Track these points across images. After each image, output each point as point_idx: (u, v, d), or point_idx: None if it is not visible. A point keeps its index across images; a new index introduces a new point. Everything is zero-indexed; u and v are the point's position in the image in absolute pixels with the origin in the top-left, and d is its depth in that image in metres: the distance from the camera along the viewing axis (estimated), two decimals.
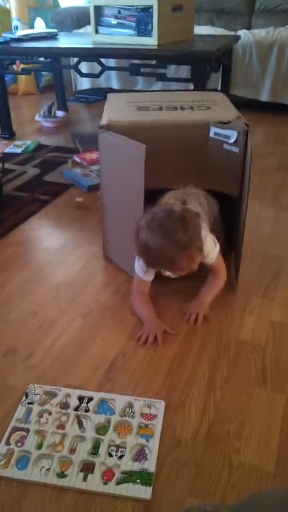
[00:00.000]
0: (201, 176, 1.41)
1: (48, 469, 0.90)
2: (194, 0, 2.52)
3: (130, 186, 1.29)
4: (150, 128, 1.33)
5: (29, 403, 1.04)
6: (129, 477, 0.89)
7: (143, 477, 0.88)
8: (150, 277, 1.30)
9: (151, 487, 0.87)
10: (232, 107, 1.48)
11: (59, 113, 3.11)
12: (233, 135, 1.29)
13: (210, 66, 2.26)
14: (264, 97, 3.04)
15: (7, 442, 0.96)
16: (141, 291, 1.32)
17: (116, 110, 1.47)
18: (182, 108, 1.45)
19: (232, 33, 3.06)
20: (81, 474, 0.89)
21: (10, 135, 2.82)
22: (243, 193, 1.27)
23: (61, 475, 0.89)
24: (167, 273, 1.29)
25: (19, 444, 0.95)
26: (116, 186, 1.40)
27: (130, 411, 1.02)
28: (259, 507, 0.64)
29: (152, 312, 1.28)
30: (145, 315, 1.27)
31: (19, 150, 2.56)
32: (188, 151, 1.38)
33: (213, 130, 1.34)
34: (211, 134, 1.35)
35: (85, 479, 0.89)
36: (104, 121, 1.36)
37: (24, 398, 1.05)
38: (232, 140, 1.30)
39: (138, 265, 1.28)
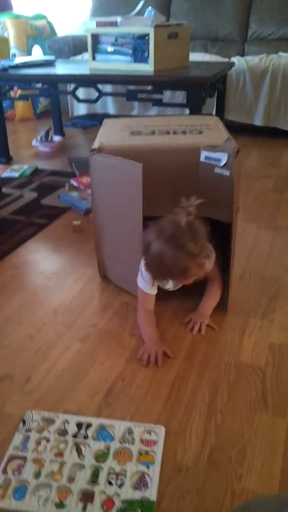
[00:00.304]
0: None
1: (46, 500, 0.88)
2: (189, 28, 2.59)
3: (127, 206, 1.30)
4: (141, 152, 1.33)
5: (26, 430, 1.02)
6: (129, 506, 0.86)
7: (144, 506, 0.86)
8: (155, 291, 1.32)
9: None
10: (224, 130, 1.48)
11: (56, 138, 3.15)
12: (223, 158, 1.28)
13: (205, 91, 2.30)
14: (258, 121, 3.09)
15: (4, 471, 0.93)
16: (147, 308, 1.33)
17: (109, 134, 1.48)
18: (174, 133, 1.45)
19: (226, 59, 3.13)
20: (81, 504, 0.87)
21: (7, 160, 2.85)
22: (232, 214, 1.28)
23: (60, 505, 0.87)
24: (167, 286, 1.32)
25: (16, 473, 0.93)
26: (111, 207, 1.41)
27: (130, 437, 1.00)
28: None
29: (155, 332, 1.29)
30: (148, 335, 1.28)
31: (16, 174, 2.58)
32: (179, 176, 1.37)
33: (203, 154, 1.34)
34: (202, 159, 1.34)
35: (84, 509, 0.86)
36: (95, 144, 1.37)
37: (21, 424, 1.03)
38: (222, 163, 1.30)
39: (143, 281, 1.30)
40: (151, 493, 0.88)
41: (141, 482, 0.91)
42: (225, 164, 1.29)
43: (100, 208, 1.46)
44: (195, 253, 1.13)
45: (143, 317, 1.32)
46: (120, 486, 0.90)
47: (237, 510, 0.65)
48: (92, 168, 1.39)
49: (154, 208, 1.28)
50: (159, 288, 1.33)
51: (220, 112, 2.89)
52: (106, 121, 1.65)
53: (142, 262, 1.24)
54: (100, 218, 1.47)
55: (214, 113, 2.91)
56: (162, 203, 1.24)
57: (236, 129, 3.15)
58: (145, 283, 1.30)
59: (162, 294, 1.35)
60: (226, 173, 1.30)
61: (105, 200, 1.42)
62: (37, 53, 3.93)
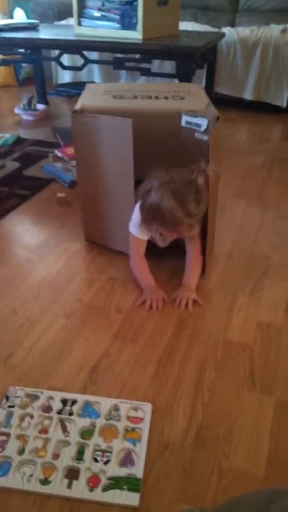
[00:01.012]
0: (173, 166, 1.40)
1: (30, 476, 0.86)
2: None
3: (117, 164, 1.33)
4: (123, 115, 1.31)
5: (9, 406, 0.99)
6: (115, 483, 0.85)
7: (131, 483, 0.85)
8: (146, 236, 1.34)
9: (139, 494, 0.84)
10: (206, 98, 1.49)
11: (40, 106, 3.04)
12: (203, 123, 1.29)
13: (195, 62, 2.23)
14: (248, 95, 3.03)
15: None
16: (138, 255, 1.37)
17: (91, 97, 1.48)
18: (156, 98, 1.46)
19: (216, 30, 3.04)
20: (66, 481, 0.86)
21: None
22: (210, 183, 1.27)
23: (45, 481, 0.86)
24: (157, 238, 1.35)
25: None
26: (98, 167, 1.40)
27: (116, 414, 0.98)
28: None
29: (152, 279, 1.36)
30: (145, 283, 1.35)
31: None
32: (161, 140, 1.37)
33: (184, 118, 1.34)
34: (183, 123, 1.35)
35: (69, 486, 0.85)
36: (77, 106, 1.37)
37: (4, 401, 1.01)
38: (203, 128, 1.30)
39: (135, 226, 1.32)
40: (138, 471, 0.87)
41: (127, 459, 0.90)
42: (205, 130, 1.29)
43: (86, 169, 1.44)
44: (193, 214, 1.17)
45: (137, 264, 1.37)
46: (106, 463, 0.89)
47: (225, 505, 0.64)
48: (74, 130, 1.38)
49: (134, 170, 1.30)
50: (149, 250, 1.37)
51: (209, 85, 2.83)
52: (88, 85, 1.65)
53: (136, 208, 1.29)
54: (87, 179, 1.46)
55: (203, 85, 2.84)
56: (143, 166, 1.24)
57: (225, 102, 3.10)
58: (136, 228, 1.33)
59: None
60: (205, 138, 1.30)
61: (92, 160, 1.40)
62: (20, 16, 3.76)
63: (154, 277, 1.37)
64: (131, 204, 1.34)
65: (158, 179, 1.19)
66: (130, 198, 1.35)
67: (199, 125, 1.32)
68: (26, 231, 1.69)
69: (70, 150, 2.30)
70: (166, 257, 1.47)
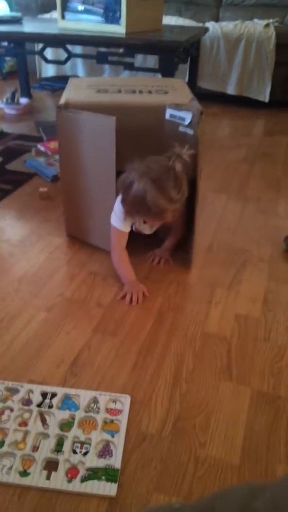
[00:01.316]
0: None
1: (10, 468, 0.87)
2: None
3: (99, 160, 1.34)
4: (107, 109, 1.33)
5: None
6: (94, 474, 0.87)
7: (108, 474, 0.87)
8: (128, 229, 1.36)
9: (116, 484, 0.85)
10: (189, 92, 1.51)
11: (23, 100, 3.03)
12: (188, 117, 1.32)
13: (178, 56, 2.24)
14: (231, 90, 3.05)
15: None
16: (121, 247, 1.38)
17: (75, 91, 1.49)
18: (140, 92, 1.48)
19: (200, 24, 3.05)
20: (45, 472, 0.87)
21: None
22: (197, 176, 1.30)
23: (24, 473, 0.87)
24: (142, 228, 1.38)
25: None
26: (81, 162, 1.41)
27: (95, 406, 1.00)
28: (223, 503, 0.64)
29: (132, 273, 1.38)
30: (127, 277, 1.37)
31: None
32: (145, 133, 1.39)
33: (168, 112, 1.37)
34: (167, 116, 1.38)
35: (48, 477, 0.86)
36: (62, 100, 1.38)
37: None
38: (187, 122, 1.33)
39: (117, 218, 1.34)
40: (116, 461, 0.89)
41: (105, 451, 0.91)
42: (189, 124, 1.31)
43: (69, 164, 1.45)
44: (175, 200, 1.20)
45: (120, 258, 1.38)
46: (85, 454, 0.90)
47: (204, 501, 0.66)
48: (59, 125, 1.39)
49: (120, 164, 1.30)
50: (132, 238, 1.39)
51: (192, 79, 2.84)
52: (71, 80, 1.66)
53: (118, 200, 1.31)
54: (69, 174, 1.47)
55: (186, 80, 2.85)
56: (128, 160, 1.26)
57: (208, 97, 3.11)
58: (118, 221, 1.34)
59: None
60: (190, 132, 1.34)
61: (75, 156, 1.41)
62: (2, 9, 3.72)
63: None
64: (112, 201, 1.35)
65: (136, 171, 1.20)
66: (111, 195, 1.35)
67: (183, 119, 1.33)
68: (8, 225, 1.69)
69: (53, 145, 2.29)
70: (146, 250, 1.48)
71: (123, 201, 1.27)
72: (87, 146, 1.37)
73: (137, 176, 1.20)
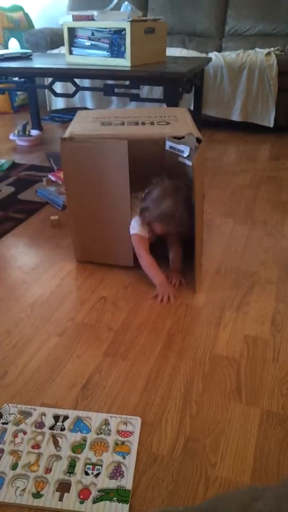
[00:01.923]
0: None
1: (23, 490, 0.89)
2: (166, 23, 2.59)
3: (111, 184, 1.43)
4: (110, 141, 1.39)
5: (3, 423, 1.03)
6: (105, 495, 0.88)
7: (120, 495, 0.88)
8: (147, 234, 1.50)
9: (128, 505, 0.86)
10: (190, 122, 1.57)
11: (34, 132, 3.13)
12: (186, 150, 1.37)
13: (182, 86, 2.31)
14: (236, 117, 3.12)
15: None
16: (146, 252, 1.50)
17: (79, 124, 1.55)
18: (143, 123, 1.53)
19: (203, 55, 3.15)
20: (57, 494, 0.88)
21: None
22: (196, 204, 1.35)
23: (37, 495, 0.88)
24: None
25: None
26: (94, 188, 1.47)
27: (106, 428, 1.01)
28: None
29: (162, 274, 1.49)
30: (158, 278, 1.48)
31: None
32: (146, 163, 1.44)
33: (168, 144, 1.43)
34: (167, 147, 1.44)
35: (61, 498, 0.88)
36: (66, 134, 1.44)
37: None
38: (185, 154, 1.38)
39: (138, 225, 1.49)
40: (127, 482, 0.90)
41: (117, 472, 0.92)
42: (188, 156, 1.37)
43: (78, 193, 1.51)
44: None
45: (147, 262, 1.49)
46: (97, 475, 0.92)
47: (207, 503, 0.67)
48: (64, 156, 1.44)
49: None
50: None
51: (197, 108, 2.92)
52: (79, 113, 1.73)
53: (136, 217, 1.49)
54: (78, 201, 1.52)
55: (192, 108, 2.93)
56: (131, 186, 1.39)
57: (214, 124, 3.19)
58: (137, 227, 1.48)
59: None
60: (189, 163, 1.39)
61: (85, 182, 1.47)
62: (14, 46, 3.88)
63: (142, 295, 1.41)
64: (127, 218, 1.49)
65: (168, 187, 1.42)
66: (127, 213, 1.48)
67: (182, 151, 1.39)
68: (21, 253, 1.73)
69: None
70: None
71: (148, 211, 1.44)
72: (100, 171, 1.43)
73: (170, 192, 1.40)
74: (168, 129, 1.48)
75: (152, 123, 1.53)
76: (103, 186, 1.46)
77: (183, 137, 1.39)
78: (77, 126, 1.51)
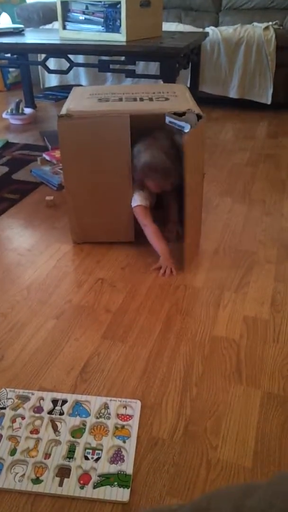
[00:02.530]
0: None
1: (22, 475, 0.88)
2: None
3: (112, 159, 1.42)
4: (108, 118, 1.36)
5: (1, 408, 1.01)
6: (106, 480, 0.87)
7: (121, 479, 0.87)
8: (147, 203, 1.50)
9: (129, 489, 0.85)
10: (189, 99, 1.52)
11: (27, 110, 3.06)
12: (186, 127, 1.34)
13: (179, 62, 2.25)
14: (233, 94, 3.06)
15: None
16: (150, 221, 1.49)
17: (76, 101, 1.50)
18: (141, 99, 1.49)
19: (200, 30, 3.07)
20: (57, 479, 0.87)
21: None
22: (187, 183, 1.33)
23: (36, 481, 0.87)
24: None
25: None
26: (93, 165, 1.44)
27: (106, 412, 1.00)
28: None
29: (166, 245, 1.49)
30: (161, 249, 1.48)
31: None
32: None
33: (168, 118, 1.40)
34: (167, 121, 1.41)
35: (61, 484, 0.86)
36: (63, 110, 1.40)
37: None
38: (186, 130, 1.34)
39: (139, 197, 1.48)
40: (128, 467, 0.89)
41: (117, 456, 0.91)
42: (188, 132, 1.33)
43: (75, 170, 1.47)
44: (177, 162, 1.36)
45: (152, 232, 1.49)
46: (97, 460, 0.90)
47: (200, 500, 0.66)
48: (61, 133, 1.40)
49: None
50: None
51: (194, 84, 2.85)
52: (74, 89, 1.68)
53: (136, 190, 1.49)
54: (76, 180, 1.49)
55: (188, 85, 2.86)
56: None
57: (211, 101, 3.13)
58: (138, 198, 1.48)
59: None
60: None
61: (83, 160, 1.44)
62: (5, 21, 3.77)
63: (140, 279, 1.39)
64: (128, 194, 1.48)
65: (143, 142, 1.42)
66: (127, 188, 1.47)
67: (182, 127, 1.35)
68: (16, 234, 1.70)
69: (58, 153, 2.31)
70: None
71: (135, 171, 1.43)
72: (98, 146, 1.40)
73: (144, 147, 1.41)
74: (168, 105, 1.44)
75: (150, 99, 1.48)
76: (102, 163, 1.43)
77: (183, 114, 1.36)
78: (74, 103, 1.47)
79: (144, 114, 1.39)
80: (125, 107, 1.41)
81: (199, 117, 1.34)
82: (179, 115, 1.36)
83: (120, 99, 1.49)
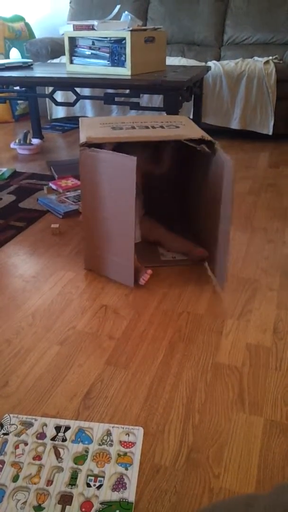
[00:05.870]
0: None
1: (24, 503, 0.88)
2: (166, 32, 2.61)
3: (119, 198, 1.41)
4: (129, 143, 1.43)
5: (4, 434, 1.02)
6: (108, 507, 0.87)
7: (123, 507, 0.87)
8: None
9: None
10: (197, 127, 1.59)
11: (35, 141, 3.13)
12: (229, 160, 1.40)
13: (181, 95, 2.32)
14: (235, 125, 3.13)
15: None
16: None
17: (92, 129, 1.54)
18: (153, 127, 1.55)
19: (202, 64, 3.17)
20: (59, 506, 0.87)
21: None
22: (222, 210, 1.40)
23: (38, 508, 0.87)
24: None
25: None
26: (101, 199, 1.47)
27: (108, 439, 1.00)
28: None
29: (191, 244, 1.65)
30: (183, 246, 1.66)
31: None
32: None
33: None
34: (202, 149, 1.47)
35: (63, 511, 0.86)
36: (83, 138, 1.43)
37: None
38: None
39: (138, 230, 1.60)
40: (130, 494, 0.89)
41: (119, 484, 0.91)
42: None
43: (90, 200, 1.50)
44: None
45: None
46: (99, 487, 0.90)
47: (204, 510, 0.66)
48: (81, 162, 1.44)
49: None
50: None
51: (197, 116, 2.92)
52: (82, 120, 1.72)
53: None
54: (90, 209, 1.52)
55: (191, 117, 2.94)
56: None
57: (213, 132, 3.20)
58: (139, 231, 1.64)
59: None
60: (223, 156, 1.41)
61: (95, 191, 1.47)
62: (15, 56, 3.91)
63: (144, 300, 1.40)
64: (130, 237, 1.45)
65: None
66: (130, 231, 1.44)
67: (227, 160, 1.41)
68: (21, 261, 1.73)
69: (64, 182, 2.37)
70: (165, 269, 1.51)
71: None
72: (107, 183, 1.43)
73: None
74: (181, 131, 1.49)
75: (162, 127, 1.54)
76: (110, 198, 1.44)
77: (200, 140, 1.43)
78: (90, 132, 1.50)
79: (165, 140, 1.47)
80: (141, 134, 1.46)
81: (212, 143, 1.41)
82: (196, 141, 1.43)
83: (133, 127, 1.54)
